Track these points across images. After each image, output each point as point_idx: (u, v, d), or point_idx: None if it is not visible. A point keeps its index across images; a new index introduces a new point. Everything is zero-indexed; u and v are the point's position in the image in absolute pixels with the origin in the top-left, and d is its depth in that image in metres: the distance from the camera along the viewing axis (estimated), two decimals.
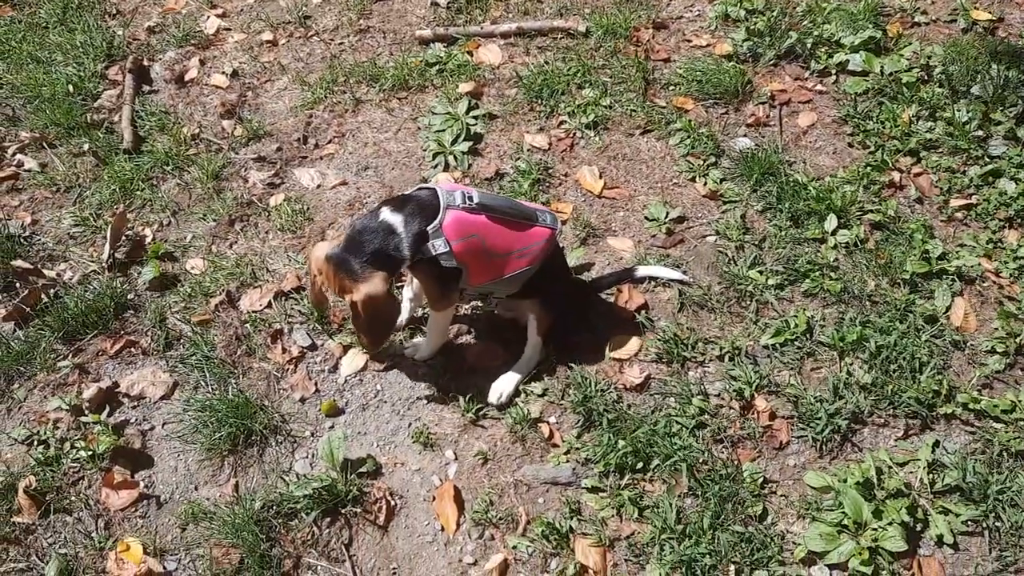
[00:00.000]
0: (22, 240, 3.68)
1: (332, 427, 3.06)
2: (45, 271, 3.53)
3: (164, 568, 2.71)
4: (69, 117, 4.19)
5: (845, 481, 2.86)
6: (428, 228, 2.69)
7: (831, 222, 3.60)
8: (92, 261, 3.60)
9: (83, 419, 3.05)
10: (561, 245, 3.20)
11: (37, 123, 4.22)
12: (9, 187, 3.97)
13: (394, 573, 2.73)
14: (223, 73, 4.51)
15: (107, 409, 3.08)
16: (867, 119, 4.09)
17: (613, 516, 2.83)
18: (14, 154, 4.13)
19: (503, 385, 3.10)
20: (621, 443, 2.96)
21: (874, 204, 3.72)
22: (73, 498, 2.86)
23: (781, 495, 2.90)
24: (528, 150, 4.02)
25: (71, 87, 4.35)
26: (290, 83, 4.45)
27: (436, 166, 3.97)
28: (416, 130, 4.17)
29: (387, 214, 2.70)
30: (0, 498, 2.83)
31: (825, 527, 2.76)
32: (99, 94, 4.38)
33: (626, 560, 2.74)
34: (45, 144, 4.13)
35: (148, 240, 3.67)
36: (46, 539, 2.78)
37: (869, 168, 3.86)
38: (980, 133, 3.97)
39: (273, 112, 4.31)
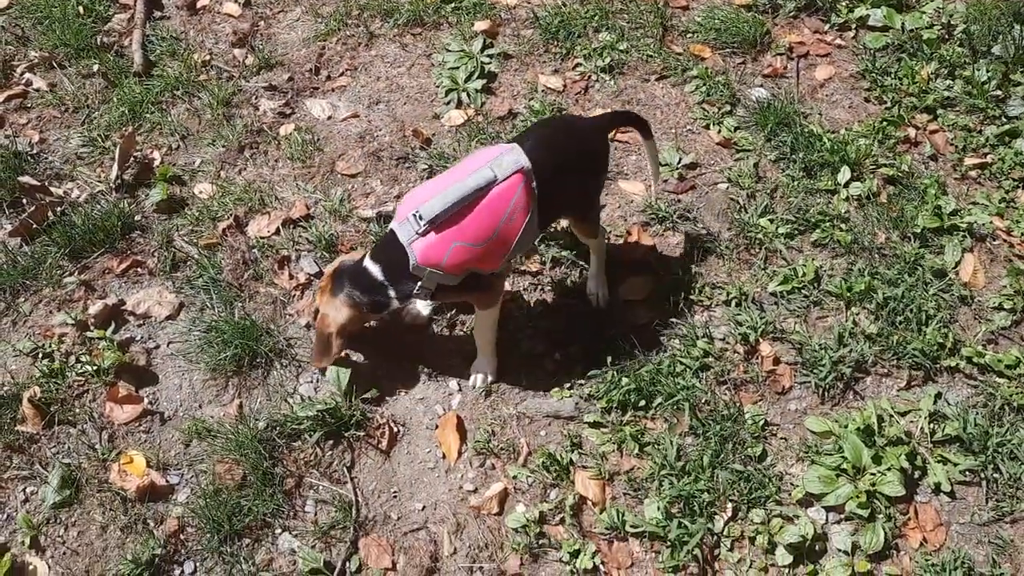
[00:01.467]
0: (29, 157, 3.65)
1: None
2: (52, 189, 3.51)
3: (167, 481, 2.72)
4: (79, 38, 4.13)
5: (846, 427, 2.88)
6: (409, 270, 2.58)
7: (844, 174, 3.58)
8: (100, 181, 3.57)
9: (88, 335, 3.04)
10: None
11: (46, 43, 4.16)
12: (17, 105, 3.93)
13: (395, 496, 2.75)
14: (235, 1, 4.44)
15: (112, 326, 3.08)
16: (885, 75, 4.04)
17: (614, 451, 2.85)
18: (23, 73, 4.08)
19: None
20: (625, 380, 2.96)
21: (888, 159, 3.69)
22: (77, 410, 2.87)
23: (781, 438, 2.91)
24: (542, 91, 3.98)
25: (81, 8, 4.28)
26: (303, 14, 4.39)
27: (449, 103, 3.93)
28: (430, 67, 4.12)
29: (368, 262, 2.67)
30: (5, 407, 2.83)
31: (824, 470, 2.78)
32: (109, 17, 4.32)
33: (625, 494, 2.76)
34: (55, 64, 4.08)
35: (156, 163, 3.64)
36: (50, 449, 2.79)
37: (885, 123, 3.83)
38: (999, 93, 3.93)
39: (285, 42, 4.26)
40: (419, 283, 2.61)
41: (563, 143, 2.81)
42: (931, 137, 3.82)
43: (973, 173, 3.70)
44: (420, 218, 2.52)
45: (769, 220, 3.46)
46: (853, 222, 3.48)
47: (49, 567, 2.55)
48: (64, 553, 2.58)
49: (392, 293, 2.67)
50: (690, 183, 3.62)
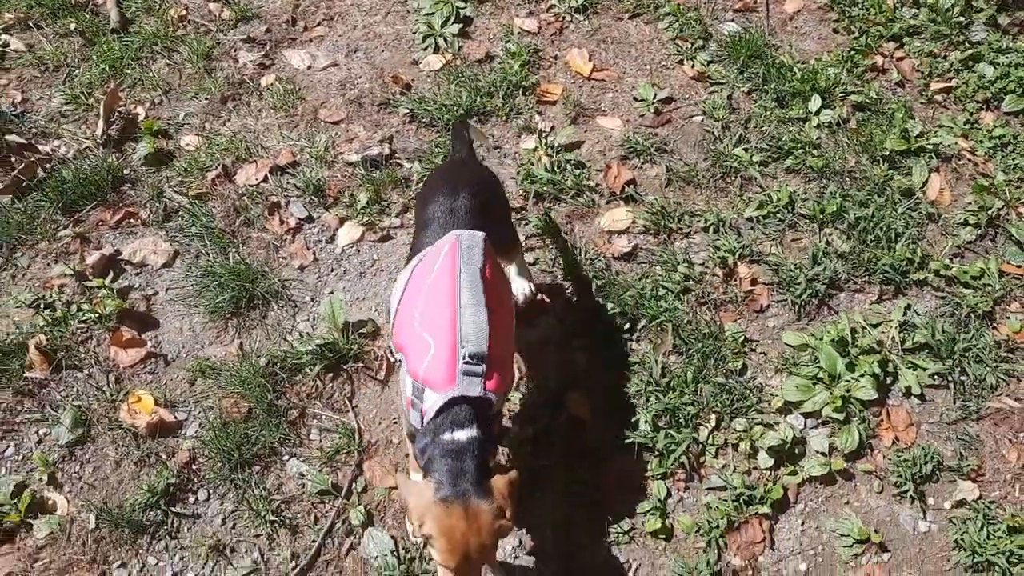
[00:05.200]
0: (13, 117, 3.68)
1: (332, 292, 3.16)
2: (39, 146, 3.56)
3: (175, 417, 2.83)
4: None
5: (821, 339, 3.03)
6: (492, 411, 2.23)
7: (815, 102, 3.69)
8: (86, 138, 3.62)
9: (87, 284, 3.12)
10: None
11: (20, 3, 4.16)
12: None
13: (395, 422, 2.87)
14: None
15: (111, 275, 3.16)
16: (852, 5, 4.14)
17: (603, 372, 2.98)
18: None
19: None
20: (610, 306, 3.09)
21: (857, 86, 3.81)
22: (83, 356, 2.96)
23: (760, 353, 3.06)
24: (518, 33, 4.04)
25: None
26: None
27: (426, 48, 3.99)
28: (405, 13, 4.17)
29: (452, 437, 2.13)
30: (12, 355, 2.91)
31: (801, 380, 2.93)
32: None
33: (616, 412, 2.89)
34: (30, 24, 4.09)
35: (141, 117, 3.69)
36: (59, 392, 2.89)
37: (853, 52, 3.94)
38: (962, 19, 4.04)
39: None
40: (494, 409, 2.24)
41: (476, 190, 2.52)
42: (898, 64, 3.93)
43: (939, 97, 3.82)
44: (473, 357, 2.14)
45: (744, 149, 3.57)
46: (824, 148, 3.60)
47: (68, 501, 2.66)
48: (81, 487, 2.69)
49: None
50: (666, 117, 3.72)
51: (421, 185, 2.86)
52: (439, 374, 2.15)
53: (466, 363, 2.13)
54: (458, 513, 2.02)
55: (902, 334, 3.07)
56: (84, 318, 3.04)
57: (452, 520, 2.01)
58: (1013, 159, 3.56)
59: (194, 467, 2.73)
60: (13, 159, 3.50)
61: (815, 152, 3.57)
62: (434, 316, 2.21)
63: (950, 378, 2.98)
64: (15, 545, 2.58)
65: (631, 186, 3.47)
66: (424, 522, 2.03)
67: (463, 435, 2.10)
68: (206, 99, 3.77)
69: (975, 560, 2.61)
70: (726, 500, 2.71)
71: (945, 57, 3.95)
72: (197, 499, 2.68)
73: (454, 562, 2.03)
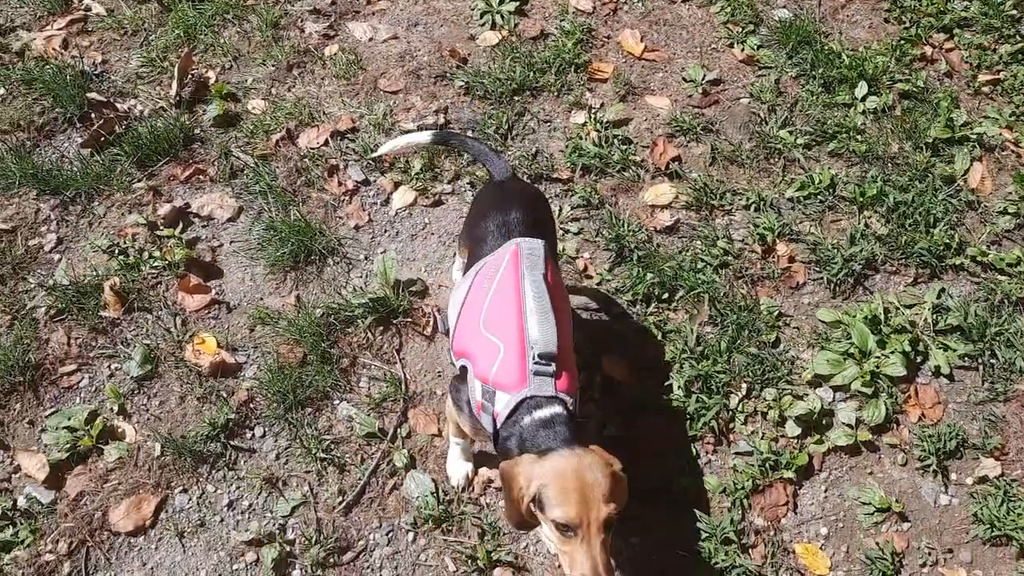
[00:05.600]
0: (94, 76, 3.91)
1: (385, 251, 3.32)
2: (117, 105, 3.78)
3: (236, 360, 3.03)
4: None
5: (854, 316, 3.12)
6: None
7: (861, 89, 3.76)
8: (160, 98, 3.83)
9: (158, 233, 3.33)
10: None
11: None
12: (79, 29, 4.17)
13: (439, 375, 3.03)
14: None
15: (180, 226, 3.37)
16: None
17: (639, 338, 3.11)
18: None
19: None
20: (649, 275, 3.21)
21: (904, 75, 3.86)
22: (153, 299, 3.17)
23: (794, 327, 3.16)
24: (572, 13, 4.16)
25: None
26: None
27: (483, 24, 4.13)
28: None
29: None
30: (89, 295, 3.13)
31: (832, 354, 3.03)
32: None
33: (649, 376, 3.02)
34: None
35: (212, 81, 3.89)
36: (130, 332, 3.10)
37: (903, 41, 3.99)
38: (1014, 13, 4.07)
39: None
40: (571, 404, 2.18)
41: (527, 204, 2.58)
42: (947, 55, 3.97)
43: (986, 89, 3.86)
44: (543, 357, 2.14)
45: (788, 132, 3.66)
46: (868, 133, 3.67)
47: (135, 430, 2.87)
48: (148, 419, 2.90)
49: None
50: (713, 98, 3.82)
51: (473, 199, 2.88)
52: (510, 376, 2.14)
53: (536, 363, 2.13)
54: (566, 457, 1.95)
55: (935, 316, 3.15)
56: (155, 264, 3.24)
57: (562, 463, 1.94)
58: None
59: (251, 406, 2.92)
60: (93, 115, 3.72)
61: (859, 137, 3.64)
62: (500, 320, 2.23)
63: (980, 360, 3.05)
64: (87, 467, 2.80)
65: (676, 163, 3.58)
66: (532, 479, 1.95)
67: (546, 412, 2.07)
68: (273, 66, 3.96)
69: (993, 534, 2.69)
70: (752, 464, 2.82)
71: (995, 50, 3.98)
72: (253, 435, 2.87)
73: (573, 508, 1.88)
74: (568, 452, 1.98)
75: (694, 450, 2.86)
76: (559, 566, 2.58)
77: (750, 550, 2.67)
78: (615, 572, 1.91)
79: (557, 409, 2.09)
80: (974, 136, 3.62)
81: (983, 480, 2.82)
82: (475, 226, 2.58)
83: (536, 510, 1.98)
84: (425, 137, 2.98)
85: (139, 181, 3.52)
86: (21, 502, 2.72)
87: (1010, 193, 3.49)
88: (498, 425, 2.14)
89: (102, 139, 3.63)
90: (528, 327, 2.18)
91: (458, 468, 2.76)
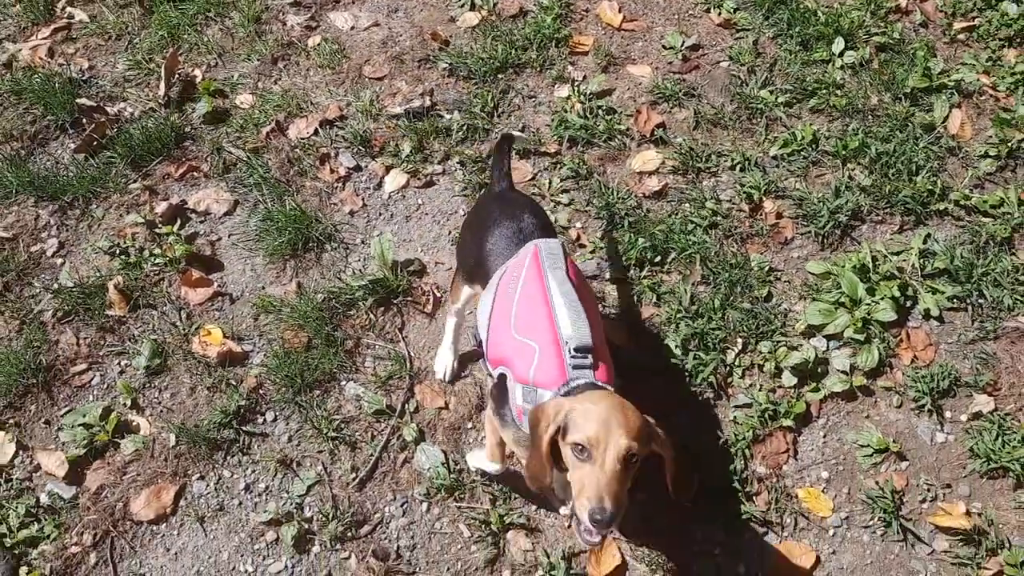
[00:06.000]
0: (82, 83, 3.95)
1: (381, 234, 3.39)
2: (107, 108, 3.83)
3: (242, 349, 3.10)
4: None
5: (843, 267, 3.19)
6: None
7: (839, 44, 3.82)
8: (149, 99, 3.88)
9: (157, 231, 3.39)
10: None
11: None
12: (64, 37, 4.22)
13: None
14: None
15: (178, 222, 3.43)
16: None
17: (635, 303, 3.18)
18: (64, 8, 4.35)
19: None
20: (640, 240, 3.28)
21: (880, 28, 3.92)
22: (157, 295, 3.24)
23: (785, 281, 3.23)
24: None
25: None
26: None
27: (463, 5, 4.18)
28: None
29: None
30: (94, 296, 3.19)
31: (824, 304, 3.10)
32: None
33: (648, 338, 3.09)
34: None
35: (198, 79, 3.94)
36: (137, 328, 3.17)
37: None
38: None
39: None
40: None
41: (534, 211, 2.64)
42: (921, 5, 4.03)
43: (962, 36, 3.92)
44: (579, 351, 2.16)
45: (769, 91, 3.72)
46: (848, 88, 3.73)
47: (149, 422, 2.94)
48: (161, 411, 2.97)
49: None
50: (694, 63, 3.88)
51: (468, 220, 2.89)
52: (549, 373, 2.15)
53: (573, 357, 2.14)
54: (597, 393, 2.00)
55: (922, 261, 3.22)
56: (156, 262, 3.31)
57: (592, 396, 1.99)
58: None
59: (261, 391, 3.00)
60: (84, 121, 3.77)
61: (839, 92, 3.70)
62: (531, 321, 2.24)
63: (968, 301, 3.13)
64: (105, 461, 2.87)
65: (661, 129, 3.64)
66: (560, 411, 1.97)
67: (583, 383, 2.10)
68: (258, 60, 4.01)
69: (990, 467, 2.77)
70: (752, 416, 2.90)
71: None
72: (265, 419, 2.95)
73: (592, 428, 1.90)
74: (599, 391, 2.03)
75: (695, 406, 2.93)
76: (569, 526, 2.67)
77: (754, 497, 2.75)
78: (624, 507, 1.93)
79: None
80: (952, 84, 3.68)
81: (977, 416, 2.89)
82: (483, 239, 2.57)
83: (560, 440, 1.98)
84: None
85: (135, 182, 3.58)
86: (44, 499, 2.79)
87: (990, 136, 3.56)
88: None
89: (95, 143, 3.68)
90: (559, 324, 2.20)
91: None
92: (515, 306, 2.31)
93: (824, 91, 3.69)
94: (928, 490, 2.76)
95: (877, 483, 2.77)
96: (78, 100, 3.81)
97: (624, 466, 1.92)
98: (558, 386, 2.12)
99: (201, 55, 4.07)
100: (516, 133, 3.27)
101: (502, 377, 2.32)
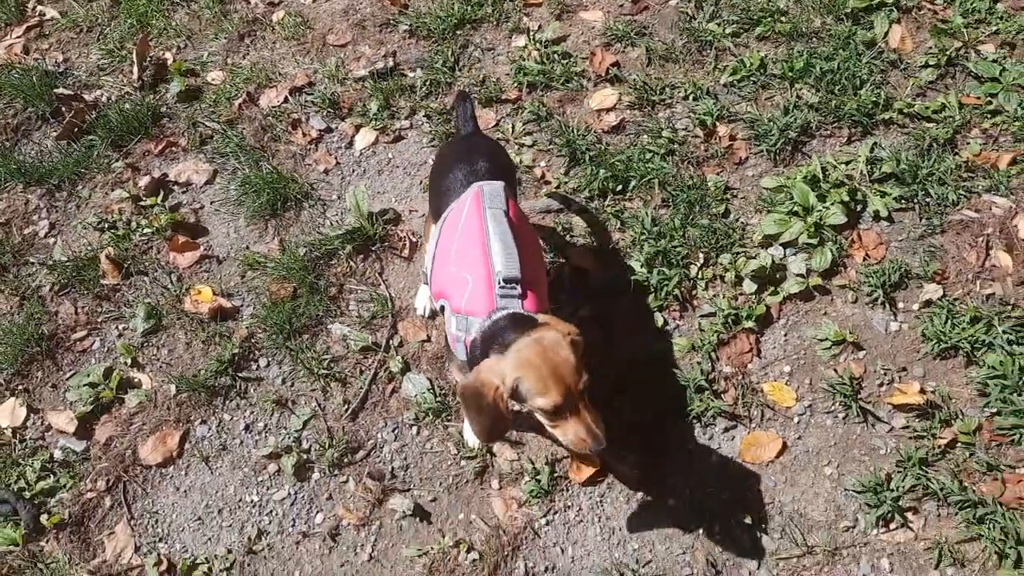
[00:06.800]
0: (59, 75, 4.11)
1: (356, 187, 3.55)
2: (85, 96, 3.98)
3: (232, 304, 3.26)
4: None
5: (795, 179, 3.35)
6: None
7: None
8: (124, 85, 4.04)
9: (142, 204, 3.56)
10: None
11: None
12: (37, 34, 4.37)
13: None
14: None
15: (161, 194, 3.59)
16: None
17: (600, 231, 3.34)
18: (34, 7, 4.51)
19: None
20: (602, 172, 3.44)
21: None
22: (147, 262, 3.40)
23: (741, 197, 3.39)
24: None
25: None
26: None
27: None
28: None
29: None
30: (88, 267, 3.36)
31: (778, 215, 3.26)
32: None
33: (614, 261, 3.26)
34: None
35: (170, 61, 4.09)
36: (131, 294, 3.34)
37: None
38: None
39: None
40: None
41: (490, 156, 2.73)
42: None
43: None
44: (507, 282, 2.31)
45: (717, 24, 3.88)
46: (791, 14, 3.89)
47: (150, 378, 3.11)
48: (160, 367, 3.14)
49: None
50: (643, 4, 4.03)
51: (434, 161, 3.02)
52: (480, 302, 2.30)
53: (502, 287, 2.28)
54: (528, 345, 2.11)
55: (870, 167, 3.38)
56: (144, 232, 3.47)
57: (527, 351, 2.10)
58: (971, 3, 3.81)
59: (253, 340, 3.17)
60: (64, 109, 3.93)
61: (783, 19, 3.85)
62: (468, 255, 2.39)
63: (915, 200, 3.29)
64: (112, 415, 3.04)
65: (615, 68, 3.80)
66: (505, 376, 2.10)
67: (507, 312, 2.24)
68: (225, 39, 4.16)
69: (942, 347, 2.94)
70: (716, 322, 3.06)
71: None
72: (259, 365, 3.12)
73: (555, 393, 2.08)
74: (527, 339, 2.14)
75: (662, 318, 3.10)
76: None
77: (722, 394, 2.92)
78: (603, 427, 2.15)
79: (518, 308, 2.27)
80: (891, 1, 3.83)
81: (928, 304, 3.06)
82: (441, 179, 2.71)
83: (517, 404, 2.16)
84: None
85: (117, 161, 3.74)
86: (57, 454, 2.96)
87: (930, 48, 3.71)
88: (476, 350, 2.28)
89: (76, 129, 3.84)
90: (492, 257, 2.34)
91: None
92: (455, 242, 2.46)
93: (769, 19, 3.84)
94: (885, 374, 2.94)
95: (836, 372, 2.95)
96: (56, 91, 3.97)
97: (588, 394, 2.15)
98: (487, 313, 2.27)
99: (170, 39, 4.22)
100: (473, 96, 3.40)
101: (443, 309, 2.47)
